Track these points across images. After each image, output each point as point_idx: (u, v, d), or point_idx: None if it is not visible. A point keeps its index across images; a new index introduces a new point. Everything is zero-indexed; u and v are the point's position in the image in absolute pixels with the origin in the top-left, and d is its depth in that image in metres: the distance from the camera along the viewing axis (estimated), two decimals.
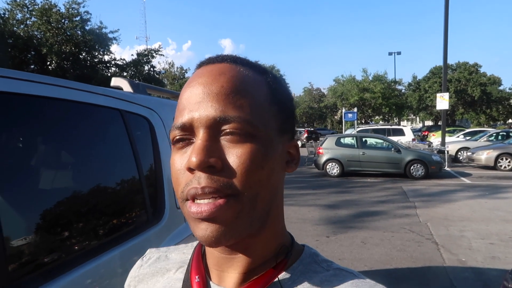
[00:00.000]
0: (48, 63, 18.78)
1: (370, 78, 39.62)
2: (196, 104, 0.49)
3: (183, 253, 0.65)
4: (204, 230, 0.47)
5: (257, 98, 0.52)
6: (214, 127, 0.48)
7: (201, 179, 0.47)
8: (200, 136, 0.48)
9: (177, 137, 0.51)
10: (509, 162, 13.62)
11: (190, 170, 0.48)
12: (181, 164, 0.50)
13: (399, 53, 43.62)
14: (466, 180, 11.82)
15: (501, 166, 13.69)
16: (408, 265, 4.80)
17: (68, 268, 1.19)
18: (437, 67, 40.74)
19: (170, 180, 1.87)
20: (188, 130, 0.50)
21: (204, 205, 0.47)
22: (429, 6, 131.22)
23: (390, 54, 43.94)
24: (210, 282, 0.57)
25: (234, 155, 0.48)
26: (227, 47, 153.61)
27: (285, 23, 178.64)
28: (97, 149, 1.56)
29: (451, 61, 39.30)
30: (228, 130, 0.48)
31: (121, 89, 1.99)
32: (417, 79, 43.80)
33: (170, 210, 1.81)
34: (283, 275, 0.54)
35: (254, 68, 0.55)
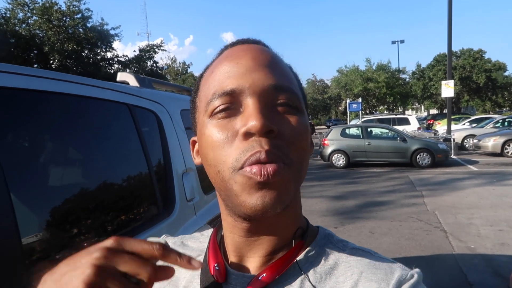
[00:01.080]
0: (51, 61, 18.83)
1: (374, 67, 39.40)
2: (246, 73, 0.49)
3: (200, 241, 0.65)
4: (262, 197, 0.46)
5: (293, 77, 0.55)
6: (268, 96, 0.48)
7: (262, 143, 0.46)
8: (253, 102, 0.47)
9: (221, 107, 0.49)
10: None
11: (248, 135, 0.46)
12: (229, 134, 0.48)
13: (402, 41, 43.30)
14: (473, 168, 11.75)
15: (508, 152, 13.60)
16: (417, 254, 4.79)
17: None
18: (441, 54, 40.40)
19: (180, 173, 1.89)
20: (235, 98, 0.49)
21: (268, 166, 0.45)
22: None
23: (393, 42, 43.61)
24: (230, 269, 0.56)
25: (288, 124, 0.49)
26: (229, 41, 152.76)
27: (287, 14, 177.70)
28: (106, 144, 1.56)
29: (455, 47, 38.93)
30: (282, 100, 0.49)
31: (128, 83, 1.99)
32: (421, 67, 43.49)
33: (180, 203, 1.82)
34: (299, 257, 0.54)
35: (277, 55, 0.56)
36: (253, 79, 0.48)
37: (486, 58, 40.82)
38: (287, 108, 0.49)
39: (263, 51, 0.53)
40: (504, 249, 4.82)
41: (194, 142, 0.61)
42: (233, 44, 0.56)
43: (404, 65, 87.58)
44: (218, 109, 0.49)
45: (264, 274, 0.52)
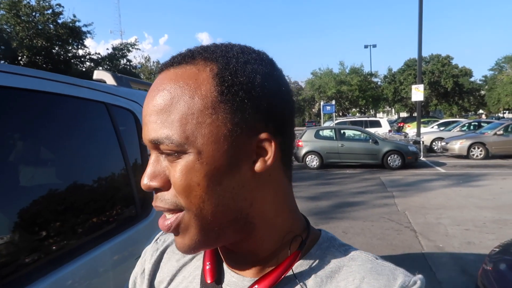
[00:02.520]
0: (20, 58, 18.15)
1: (347, 71, 40.10)
2: (144, 124, 0.50)
3: None
4: (175, 241, 0.51)
5: (195, 104, 0.46)
6: (155, 148, 0.49)
7: (156, 198, 0.50)
8: (150, 157, 0.50)
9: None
10: (481, 151, 14.08)
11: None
12: None
13: (374, 45, 44.32)
14: (441, 170, 12.15)
15: (473, 155, 14.14)
16: (388, 253, 4.91)
17: (55, 266, 1.16)
18: (411, 59, 41.61)
19: None
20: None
21: (165, 221, 0.50)
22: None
23: (366, 47, 44.56)
24: (226, 267, 0.57)
25: (172, 173, 0.48)
26: (204, 41, 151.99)
27: (261, 15, 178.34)
28: (83, 144, 1.53)
29: (424, 53, 40.20)
30: (164, 150, 0.48)
31: (104, 82, 1.95)
32: (393, 72, 44.63)
33: None
34: (300, 262, 0.54)
35: (206, 57, 0.49)
36: (145, 132, 0.49)
37: (453, 64, 42.37)
38: (171, 157, 0.47)
39: (161, 85, 0.48)
40: (470, 247, 5.02)
41: None
42: (160, 70, 0.52)
43: (376, 69, 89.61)
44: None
45: (256, 286, 0.52)
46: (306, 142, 13.16)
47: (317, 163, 13.03)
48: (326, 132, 13.76)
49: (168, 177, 0.48)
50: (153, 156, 0.49)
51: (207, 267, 0.56)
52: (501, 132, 14.22)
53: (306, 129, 14.95)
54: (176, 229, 0.49)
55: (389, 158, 12.40)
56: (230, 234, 0.50)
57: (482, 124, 18.38)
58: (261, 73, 0.49)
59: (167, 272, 0.62)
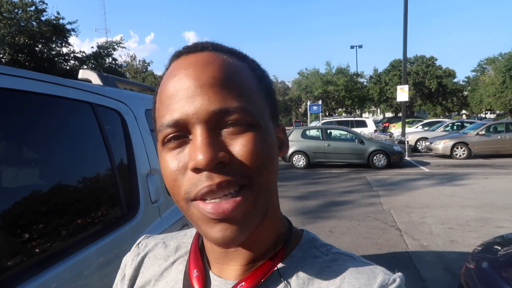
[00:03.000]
0: (1, 55, 17.76)
1: (334, 71, 40.37)
2: (189, 98, 0.46)
3: (183, 242, 0.64)
4: (222, 231, 0.45)
5: (248, 85, 0.49)
6: (214, 121, 0.46)
7: (213, 176, 0.44)
8: (199, 132, 0.45)
9: (170, 136, 0.47)
10: (464, 150, 14.35)
11: (197, 170, 0.45)
12: (180, 165, 0.46)
13: (360, 46, 44.63)
14: (425, 169, 12.34)
15: (456, 154, 14.40)
16: (374, 252, 4.97)
17: (39, 270, 1.14)
18: (397, 60, 42.14)
19: (144, 174, 1.85)
20: (182, 127, 0.46)
21: (225, 204, 0.44)
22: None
23: (352, 47, 44.84)
24: (210, 273, 0.56)
25: (240, 145, 0.46)
26: (191, 40, 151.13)
27: (249, 15, 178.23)
28: (68, 144, 1.50)
29: (409, 54, 40.66)
30: (229, 122, 0.46)
31: (90, 81, 1.92)
32: (378, 72, 45.11)
33: (144, 205, 1.78)
34: (283, 262, 0.54)
35: (234, 54, 0.52)
36: (196, 105, 0.45)
37: (437, 65, 43.06)
38: (237, 128, 0.46)
39: (207, 64, 0.48)
40: (454, 246, 5.11)
41: None
42: (177, 55, 0.52)
43: (362, 70, 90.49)
44: (167, 138, 0.48)
45: (243, 283, 0.52)
46: (292, 141, 13.20)
47: (304, 163, 13.09)
48: (313, 132, 13.83)
49: (229, 149, 0.45)
50: (207, 130, 0.45)
51: (195, 275, 0.55)
52: (483, 132, 14.52)
53: (293, 128, 15.01)
54: (239, 210, 0.45)
55: (374, 157, 12.54)
56: (262, 215, 0.50)
57: (465, 124, 18.74)
58: (269, 78, 0.56)
59: (149, 277, 0.61)
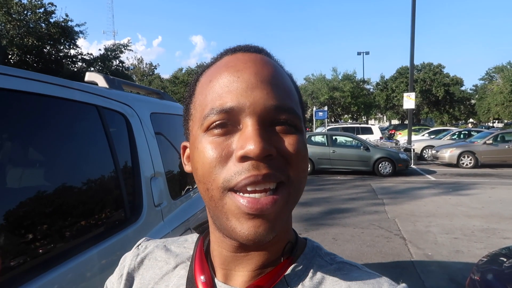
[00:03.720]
0: (10, 56, 17.95)
1: (340, 77, 40.29)
2: (248, 90, 0.47)
3: (184, 247, 0.63)
4: (256, 227, 0.45)
5: (294, 93, 0.53)
6: (268, 116, 0.47)
7: (260, 166, 0.44)
8: (252, 123, 0.46)
9: (218, 122, 0.47)
10: (471, 160, 14.23)
11: (244, 159, 0.45)
12: (223, 152, 0.46)
13: (367, 53, 44.60)
14: (431, 178, 12.25)
15: (463, 163, 14.29)
16: (378, 260, 4.93)
17: (42, 270, 1.14)
18: (404, 67, 42.02)
19: (148, 177, 1.85)
20: (234, 116, 0.47)
21: (263, 199, 0.44)
22: (396, 6, 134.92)
23: (359, 53, 44.81)
24: (216, 281, 0.55)
25: (287, 143, 0.47)
26: (198, 44, 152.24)
27: (256, 20, 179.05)
28: (73, 146, 1.51)
29: (416, 61, 40.60)
30: (282, 120, 0.47)
31: (96, 84, 1.93)
32: (385, 79, 45.00)
33: (148, 208, 1.78)
34: (289, 270, 0.54)
35: (281, 66, 0.55)
36: (254, 97, 0.46)
37: (444, 72, 42.90)
38: (287, 128, 0.48)
39: (266, 64, 0.50)
40: (459, 256, 5.05)
41: (185, 148, 0.58)
42: (233, 51, 0.53)
43: (369, 76, 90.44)
44: (213, 124, 0.47)
45: None
46: None
47: (309, 169, 13.03)
48: (318, 138, 13.81)
49: (277, 146, 0.46)
50: (260, 123, 0.46)
51: (202, 281, 0.54)
52: (491, 141, 14.40)
53: None
54: (276, 207, 0.45)
55: (380, 165, 12.47)
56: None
57: (472, 133, 18.61)
58: (298, 88, 0.58)
59: (148, 279, 0.60)
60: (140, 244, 0.67)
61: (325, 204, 8.38)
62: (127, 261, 0.64)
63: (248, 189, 0.45)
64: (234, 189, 0.45)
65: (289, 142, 0.47)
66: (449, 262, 4.83)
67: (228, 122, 0.47)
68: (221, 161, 0.46)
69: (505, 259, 2.63)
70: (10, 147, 1.32)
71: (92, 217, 1.49)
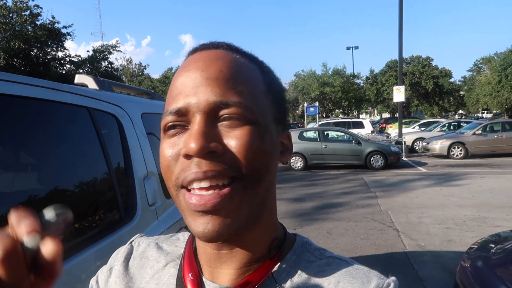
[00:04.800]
0: None
1: (330, 72, 40.43)
2: (193, 88, 0.47)
3: (176, 246, 0.63)
4: (204, 224, 0.45)
5: (254, 85, 0.51)
6: (213, 112, 0.47)
7: (201, 164, 0.45)
8: (197, 121, 0.46)
9: (170, 124, 0.49)
10: (461, 150, 14.40)
11: (188, 157, 0.46)
12: (174, 151, 0.48)
13: (356, 47, 44.81)
14: (422, 169, 12.38)
15: (453, 154, 14.45)
16: (372, 252, 4.99)
17: None
18: (393, 61, 42.28)
19: (141, 177, 1.86)
20: (183, 115, 0.48)
21: (207, 196, 0.45)
22: (384, 0, 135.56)
23: (348, 48, 45.04)
24: (204, 279, 0.55)
25: (234, 137, 0.47)
26: (188, 43, 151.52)
27: (245, 17, 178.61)
28: (65, 148, 1.52)
29: (405, 54, 40.87)
30: (227, 115, 0.47)
31: (86, 86, 1.94)
32: (374, 73, 45.23)
33: (142, 208, 1.79)
34: (277, 267, 0.54)
35: (248, 57, 0.54)
36: (198, 96, 0.47)
37: (433, 65, 43.23)
38: (235, 122, 0.47)
39: (216, 59, 0.50)
40: (451, 245, 5.13)
41: None
42: (193, 51, 0.54)
43: (359, 70, 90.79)
44: (167, 126, 0.49)
45: None
46: None
47: (301, 165, 13.11)
48: (310, 134, 13.86)
49: (223, 141, 0.46)
50: (205, 120, 0.46)
51: (190, 278, 0.54)
52: (480, 132, 14.58)
53: (290, 130, 15.02)
54: (223, 203, 0.45)
55: (372, 158, 12.57)
56: (253, 220, 0.50)
57: (462, 124, 18.81)
58: (280, 86, 0.58)
59: (138, 277, 0.60)
60: (133, 240, 0.66)
61: (319, 199, 8.43)
62: (119, 256, 0.64)
63: (194, 186, 0.46)
64: (185, 187, 0.47)
65: (236, 135, 0.47)
66: (442, 252, 4.91)
67: (180, 122, 0.48)
68: (173, 159, 0.48)
69: (493, 246, 2.69)
70: (1, 151, 1.32)
71: (86, 218, 1.50)
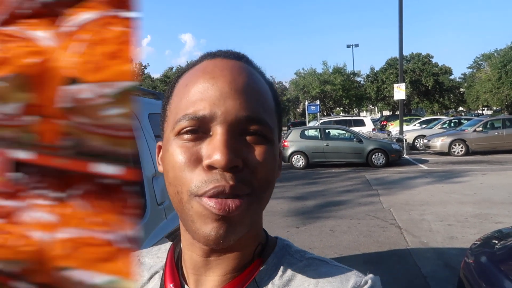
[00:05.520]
0: None
1: (330, 70, 40.40)
2: (221, 98, 0.47)
3: (158, 257, 0.63)
4: (217, 228, 0.46)
5: (270, 103, 0.53)
6: (239, 125, 0.47)
7: (227, 177, 0.45)
8: (222, 132, 0.46)
9: (188, 129, 0.47)
10: (462, 147, 14.42)
11: (211, 168, 0.45)
12: (190, 158, 0.47)
13: (356, 45, 44.76)
14: (423, 167, 12.40)
15: (454, 151, 14.47)
16: (375, 250, 5.02)
17: None
18: (393, 58, 42.23)
19: (149, 177, 1.89)
20: (206, 123, 0.47)
21: (230, 201, 0.45)
22: None
23: (348, 46, 45.02)
24: (186, 287, 0.56)
25: (255, 155, 0.48)
26: (188, 42, 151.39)
27: (245, 16, 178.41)
28: None
29: (405, 52, 40.75)
30: (252, 130, 0.48)
31: None
32: (375, 71, 45.17)
33: (151, 207, 1.82)
34: (259, 271, 0.55)
35: (261, 74, 0.56)
36: (226, 107, 0.47)
37: (433, 62, 43.17)
38: (257, 138, 0.48)
39: (242, 72, 0.50)
40: (453, 242, 5.16)
41: (160, 148, 0.57)
42: (213, 56, 0.53)
43: (359, 68, 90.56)
44: (184, 130, 0.48)
45: None
46: (291, 142, 13.25)
47: (303, 163, 13.13)
48: (311, 132, 13.88)
49: (244, 156, 0.47)
50: (230, 132, 0.46)
51: None
52: (480, 128, 14.60)
53: (292, 129, 15.06)
54: (241, 211, 0.46)
55: (373, 156, 12.59)
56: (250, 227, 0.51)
57: (462, 121, 18.82)
58: (281, 103, 0.60)
59: None
60: None
61: (321, 197, 8.47)
62: None
63: (217, 197, 0.46)
64: (201, 196, 0.46)
65: (257, 152, 0.48)
66: (444, 248, 4.94)
67: (199, 129, 0.48)
68: (190, 165, 0.47)
69: (497, 242, 2.72)
70: None
71: None
